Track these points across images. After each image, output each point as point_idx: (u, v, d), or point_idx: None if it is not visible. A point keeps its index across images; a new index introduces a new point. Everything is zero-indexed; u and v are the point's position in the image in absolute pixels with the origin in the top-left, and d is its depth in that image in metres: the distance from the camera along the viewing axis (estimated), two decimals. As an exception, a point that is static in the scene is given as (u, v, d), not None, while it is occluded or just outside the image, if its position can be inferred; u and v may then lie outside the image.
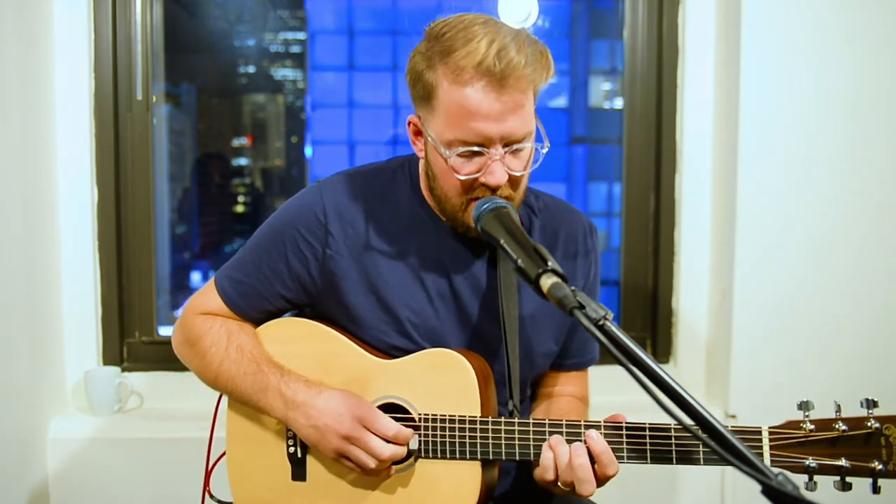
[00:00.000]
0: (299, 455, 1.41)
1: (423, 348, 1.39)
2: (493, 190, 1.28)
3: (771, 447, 1.19)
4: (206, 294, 1.48)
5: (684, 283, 2.47)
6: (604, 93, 3.53)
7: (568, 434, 1.25)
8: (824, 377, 2.30)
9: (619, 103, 2.48)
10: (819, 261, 2.28)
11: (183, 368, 2.37)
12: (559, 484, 1.24)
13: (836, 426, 1.17)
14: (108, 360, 2.38)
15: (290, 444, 1.41)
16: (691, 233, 2.45)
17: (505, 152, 1.26)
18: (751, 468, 0.84)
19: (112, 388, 2.28)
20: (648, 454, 1.23)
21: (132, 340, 2.41)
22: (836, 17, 2.24)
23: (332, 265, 1.40)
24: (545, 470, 1.24)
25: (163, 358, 2.40)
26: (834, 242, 2.28)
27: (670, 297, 2.50)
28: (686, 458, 1.22)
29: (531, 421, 1.28)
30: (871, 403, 1.16)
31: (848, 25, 2.24)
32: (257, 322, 1.48)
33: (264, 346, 1.44)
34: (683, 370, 2.47)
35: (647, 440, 1.23)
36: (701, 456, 1.21)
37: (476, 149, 1.25)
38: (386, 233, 1.42)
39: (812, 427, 1.18)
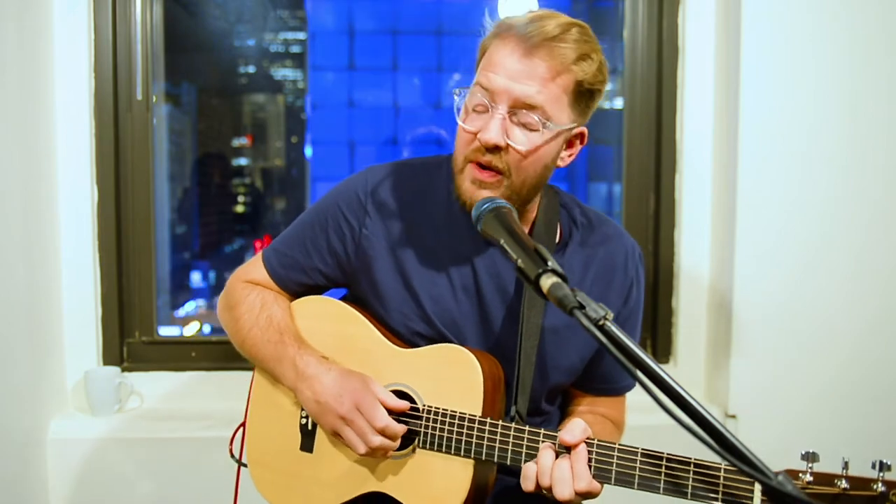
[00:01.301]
0: (310, 427, 1.47)
1: (445, 337, 1.42)
2: (487, 150, 1.28)
3: (763, 495, 1.10)
4: (252, 264, 1.59)
5: (684, 283, 2.47)
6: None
7: (561, 446, 1.22)
8: (824, 377, 2.30)
9: (619, 103, 2.48)
10: (819, 261, 2.28)
11: (183, 368, 2.41)
12: (540, 487, 1.23)
13: (838, 483, 1.08)
14: (108, 360, 2.39)
15: (303, 415, 1.48)
16: (691, 233, 2.45)
17: (509, 114, 1.28)
18: (751, 468, 0.84)
19: (112, 388, 2.28)
20: (662, 483, 1.16)
21: (132, 340, 2.41)
22: (836, 16, 2.24)
23: (367, 244, 1.46)
24: (527, 469, 1.24)
25: (163, 358, 2.41)
26: (834, 242, 2.29)
27: (670, 297, 2.50)
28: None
29: (526, 428, 1.28)
30: (884, 466, 1.07)
31: (848, 25, 2.24)
32: (296, 295, 1.56)
33: (294, 319, 1.51)
34: (683, 370, 2.47)
35: (664, 469, 1.16)
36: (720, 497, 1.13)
37: (485, 101, 1.28)
38: (421, 224, 1.45)
39: (811, 479, 1.09)
